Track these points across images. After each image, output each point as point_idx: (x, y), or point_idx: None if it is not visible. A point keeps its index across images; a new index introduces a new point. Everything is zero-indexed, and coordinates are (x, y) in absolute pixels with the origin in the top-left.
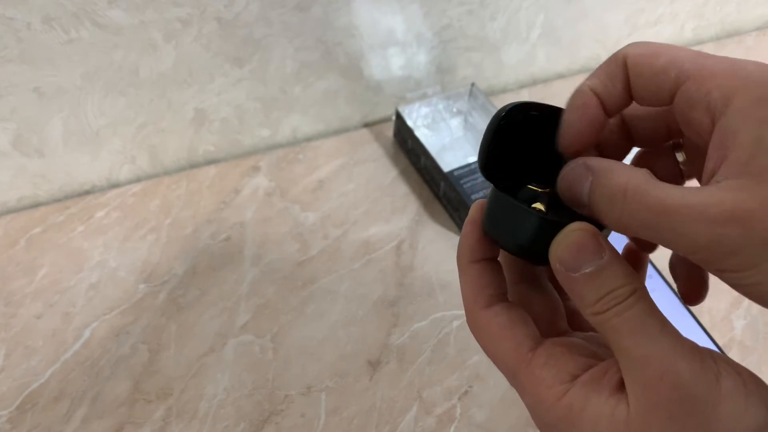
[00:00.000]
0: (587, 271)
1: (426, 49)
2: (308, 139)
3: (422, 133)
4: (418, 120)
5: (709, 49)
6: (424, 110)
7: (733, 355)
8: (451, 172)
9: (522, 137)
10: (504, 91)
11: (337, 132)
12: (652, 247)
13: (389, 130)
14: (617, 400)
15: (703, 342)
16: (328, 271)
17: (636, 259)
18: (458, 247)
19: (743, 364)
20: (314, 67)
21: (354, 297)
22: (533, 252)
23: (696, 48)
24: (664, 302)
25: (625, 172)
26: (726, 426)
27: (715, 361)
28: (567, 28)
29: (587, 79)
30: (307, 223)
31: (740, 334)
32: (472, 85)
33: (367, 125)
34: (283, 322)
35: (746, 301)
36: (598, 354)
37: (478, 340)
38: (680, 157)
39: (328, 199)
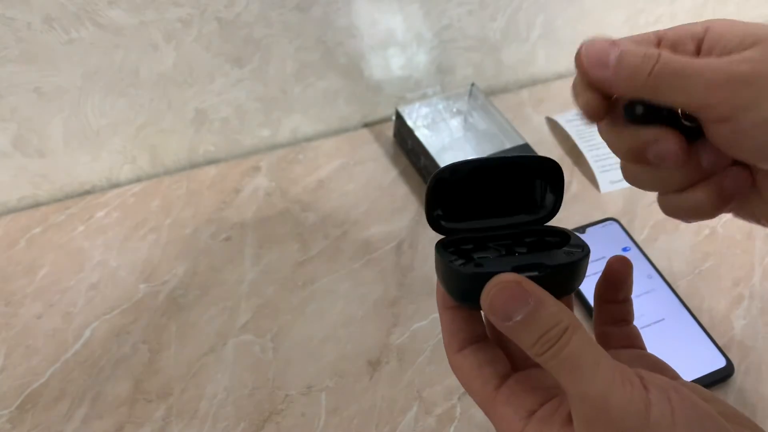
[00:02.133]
0: (518, 319)
1: (426, 50)
2: (308, 139)
3: (422, 133)
4: (418, 120)
5: None
6: (424, 110)
7: (733, 354)
8: None
9: (466, 189)
10: (504, 91)
11: (337, 132)
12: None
13: (389, 130)
14: None
15: (703, 341)
16: (328, 271)
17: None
18: (436, 294)
19: (743, 364)
20: (314, 67)
21: (354, 297)
22: (469, 300)
23: None
24: (664, 302)
25: (650, 48)
26: None
27: (647, 388)
28: (567, 29)
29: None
30: (307, 223)
31: (740, 333)
32: (472, 85)
33: (367, 125)
34: (283, 321)
35: (746, 301)
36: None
37: (457, 377)
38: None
39: (329, 199)
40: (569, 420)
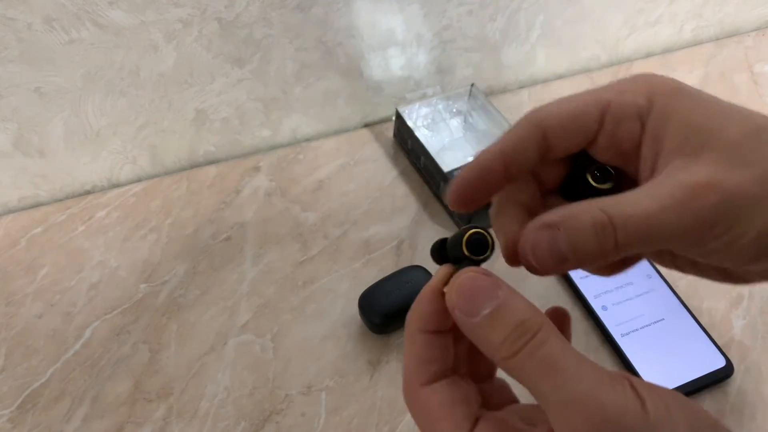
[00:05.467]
0: (485, 313)
1: (426, 50)
2: (308, 139)
3: (422, 134)
4: (418, 120)
5: (708, 49)
6: (424, 110)
7: (733, 354)
8: (451, 172)
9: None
10: (503, 91)
11: (338, 132)
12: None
13: (389, 131)
14: None
15: (702, 341)
16: (329, 271)
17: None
18: (410, 312)
19: (743, 364)
20: (314, 67)
21: (354, 297)
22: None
23: (694, 49)
24: (663, 302)
25: (586, 209)
26: None
27: (635, 388)
28: (566, 29)
29: (497, 142)
30: (307, 223)
31: (739, 333)
32: (472, 85)
33: (367, 125)
34: (283, 321)
35: (746, 301)
36: (536, 422)
37: (413, 416)
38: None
39: (329, 199)
40: None
